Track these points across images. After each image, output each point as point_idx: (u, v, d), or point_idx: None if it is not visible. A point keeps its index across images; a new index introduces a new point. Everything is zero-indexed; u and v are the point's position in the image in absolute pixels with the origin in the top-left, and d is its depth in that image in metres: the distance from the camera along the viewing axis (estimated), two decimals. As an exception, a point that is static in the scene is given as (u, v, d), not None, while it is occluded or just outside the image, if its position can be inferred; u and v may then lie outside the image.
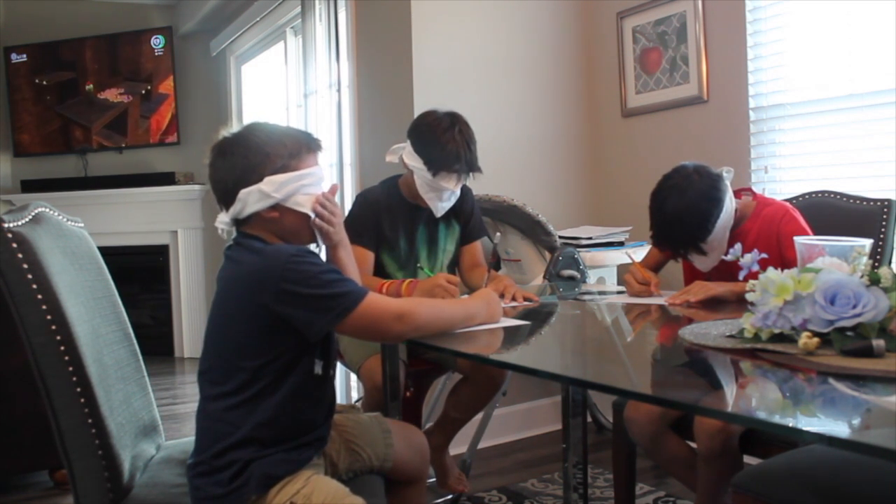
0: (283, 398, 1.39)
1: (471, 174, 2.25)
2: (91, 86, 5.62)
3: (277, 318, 1.36)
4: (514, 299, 2.04)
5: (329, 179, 3.83)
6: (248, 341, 1.39)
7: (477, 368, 2.37)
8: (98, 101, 5.63)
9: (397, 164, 2.33)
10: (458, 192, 2.28)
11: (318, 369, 1.46)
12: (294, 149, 1.47)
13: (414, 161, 2.23)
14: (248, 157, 1.43)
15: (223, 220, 1.48)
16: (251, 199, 1.42)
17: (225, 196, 1.46)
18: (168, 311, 5.73)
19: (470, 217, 2.42)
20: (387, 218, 2.32)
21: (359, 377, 2.29)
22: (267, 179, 1.42)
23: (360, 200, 2.36)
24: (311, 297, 1.36)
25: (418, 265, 2.35)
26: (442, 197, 2.24)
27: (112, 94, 5.63)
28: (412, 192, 2.30)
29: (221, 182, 1.46)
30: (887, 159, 2.52)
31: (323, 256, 1.54)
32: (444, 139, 2.17)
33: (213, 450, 1.38)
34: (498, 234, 2.22)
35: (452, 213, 2.39)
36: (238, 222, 1.48)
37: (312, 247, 1.54)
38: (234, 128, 1.49)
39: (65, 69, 5.62)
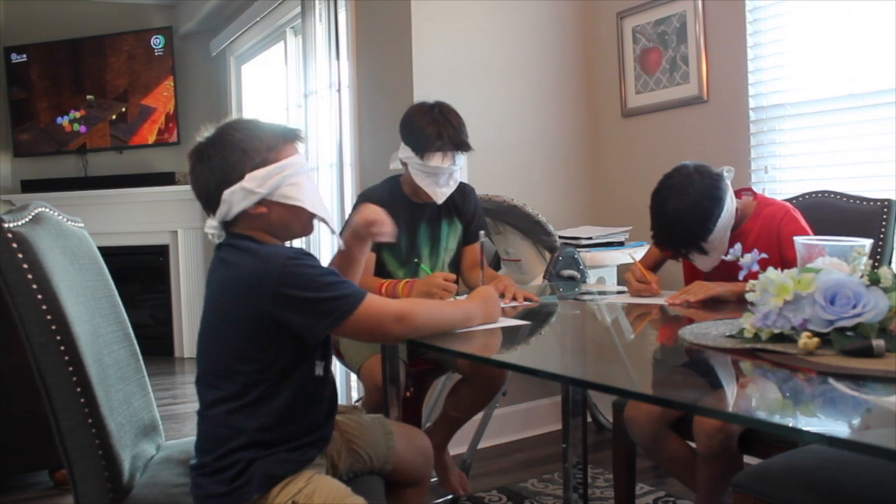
0: (285, 401, 1.39)
1: (459, 152, 2.23)
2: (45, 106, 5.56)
3: (275, 322, 1.35)
4: (514, 299, 2.04)
5: (328, 179, 3.83)
6: (245, 345, 1.37)
7: (477, 369, 2.37)
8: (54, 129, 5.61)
9: (400, 168, 2.35)
10: (456, 178, 2.28)
11: (318, 370, 1.45)
12: (271, 142, 1.44)
13: (405, 153, 2.25)
14: (227, 156, 1.41)
15: (212, 225, 1.46)
16: (236, 198, 1.40)
17: (209, 200, 1.44)
18: (168, 311, 5.73)
19: (473, 217, 2.43)
20: (388, 215, 2.32)
21: (359, 377, 2.29)
22: (248, 176, 1.40)
23: (362, 199, 2.36)
24: (310, 301, 1.34)
25: (415, 260, 2.35)
26: (438, 182, 2.23)
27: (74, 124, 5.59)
28: (414, 189, 2.30)
29: (204, 187, 1.44)
30: (887, 159, 2.52)
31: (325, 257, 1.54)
32: (425, 121, 2.21)
33: (217, 453, 1.37)
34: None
35: (455, 211, 2.40)
36: (227, 224, 1.46)
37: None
38: (208, 131, 1.47)
39: (18, 86, 5.54)
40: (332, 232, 1.58)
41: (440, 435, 2.48)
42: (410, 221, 2.35)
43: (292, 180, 1.44)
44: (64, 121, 5.56)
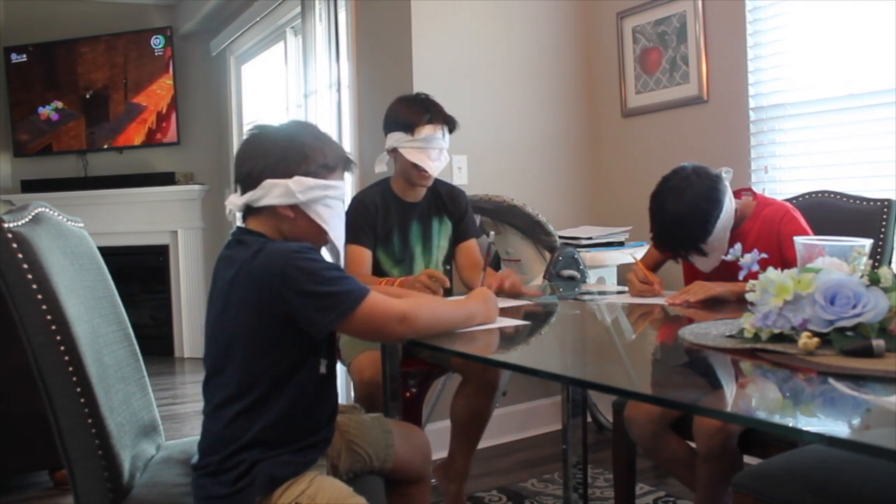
0: (291, 399, 1.39)
1: (447, 127, 2.31)
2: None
3: (282, 316, 1.35)
4: (514, 294, 2.07)
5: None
6: (253, 342, 1.38)
7: (470, 365, 2.35)
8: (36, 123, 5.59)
9: (387, 171, 2.42)
10: (445, 156, 2.33)
11: (323, 368, 1.45)
12: (332, 161, 1.48)
13: (393, 139, 2.31)
14: (287, 150, 1.44)
15: (236, 202, 1.46)
16: (275, 191, 1.41)
17: (248, 178, 1.44)
18: (168, 311, 5.73)
19: (463, 216, 2.47)
20: (381, 215, 2.38)
21: (349, 372, 2.30)
22: (297, 178, 1.42)
23: (355, 201, 2.43)
24: (314, 294, 1.35)
25: (411, 255, 2.40)
26: (430, 155, 2.28)
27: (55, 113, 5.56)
28: (404, 188, 2.38)
29: (250, 163, 1.44)
30: (887, 159, 2.52)
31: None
32: (409, 104, 2.33)
33: (221, 454, 1.37)
34: (491, 232, 2.25)
35: (445, 210, 2.46)
36: (248, 210, 1.46)
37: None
38: (285, 121, 1.53)
39: (18, 86, 5.52)
40: (337, 259, 1.58)
41: (459, 462, 2.39)
42: (402, 220, 2.40)
43: (330, 203, 1.47)
44: (46, 110, 5.54)
